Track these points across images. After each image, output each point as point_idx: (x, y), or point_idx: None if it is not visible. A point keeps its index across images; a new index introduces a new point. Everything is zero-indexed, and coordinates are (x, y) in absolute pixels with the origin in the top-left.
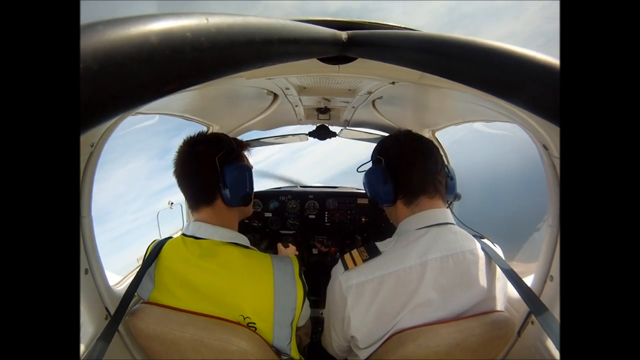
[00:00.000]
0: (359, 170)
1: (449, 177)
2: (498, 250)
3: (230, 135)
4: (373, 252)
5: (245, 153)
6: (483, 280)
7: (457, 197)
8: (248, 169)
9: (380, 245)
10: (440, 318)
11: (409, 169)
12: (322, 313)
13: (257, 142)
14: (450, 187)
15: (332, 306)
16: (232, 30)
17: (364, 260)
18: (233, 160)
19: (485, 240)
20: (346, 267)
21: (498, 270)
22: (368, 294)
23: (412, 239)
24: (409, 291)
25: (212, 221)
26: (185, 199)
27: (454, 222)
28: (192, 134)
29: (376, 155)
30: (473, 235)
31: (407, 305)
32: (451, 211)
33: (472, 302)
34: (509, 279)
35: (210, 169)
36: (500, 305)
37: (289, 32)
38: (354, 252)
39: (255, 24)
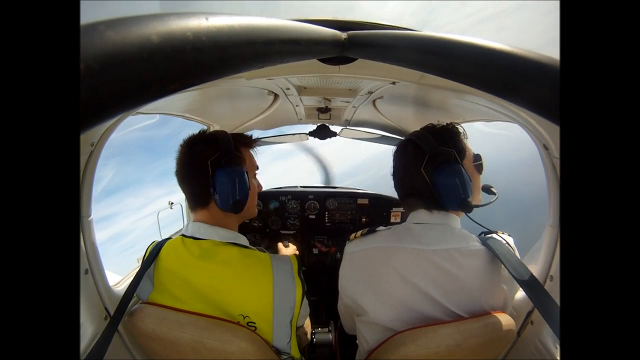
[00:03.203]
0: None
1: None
2: (509, 243)
3: None
4: (371, 231)
5: (252, 151)
6: (474, 281)
7: (464, 206)
8: (239, 173)
9: (380, 228)
10: (427, 311)
11: (403, 174)
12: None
13: (258, 142)
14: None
15: None
16: (232, 31)
17: (362, 235)
18: (225, 164)
19: (494, 236)
20: (349, 240)
21: (502, 269)
22: (356, 262)
23: (405, 229)
24: (383, 264)
25: (209, 222)
26: (185, 199)
27: (455, 225)
28: (193, 133)
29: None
30: (483, 232)
31: (383, 275)
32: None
33: (459, 302)
34: (513, 276)
35: (203, 173)
36: (499, 304)
37: (290, 32)
38: (360, 231)
39: (256, 24)
